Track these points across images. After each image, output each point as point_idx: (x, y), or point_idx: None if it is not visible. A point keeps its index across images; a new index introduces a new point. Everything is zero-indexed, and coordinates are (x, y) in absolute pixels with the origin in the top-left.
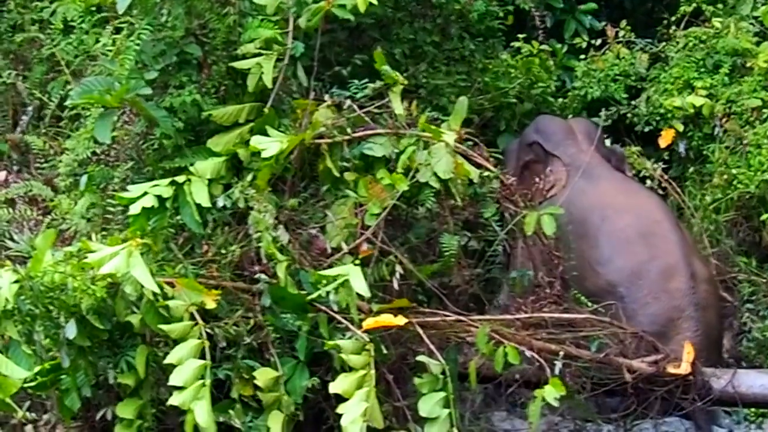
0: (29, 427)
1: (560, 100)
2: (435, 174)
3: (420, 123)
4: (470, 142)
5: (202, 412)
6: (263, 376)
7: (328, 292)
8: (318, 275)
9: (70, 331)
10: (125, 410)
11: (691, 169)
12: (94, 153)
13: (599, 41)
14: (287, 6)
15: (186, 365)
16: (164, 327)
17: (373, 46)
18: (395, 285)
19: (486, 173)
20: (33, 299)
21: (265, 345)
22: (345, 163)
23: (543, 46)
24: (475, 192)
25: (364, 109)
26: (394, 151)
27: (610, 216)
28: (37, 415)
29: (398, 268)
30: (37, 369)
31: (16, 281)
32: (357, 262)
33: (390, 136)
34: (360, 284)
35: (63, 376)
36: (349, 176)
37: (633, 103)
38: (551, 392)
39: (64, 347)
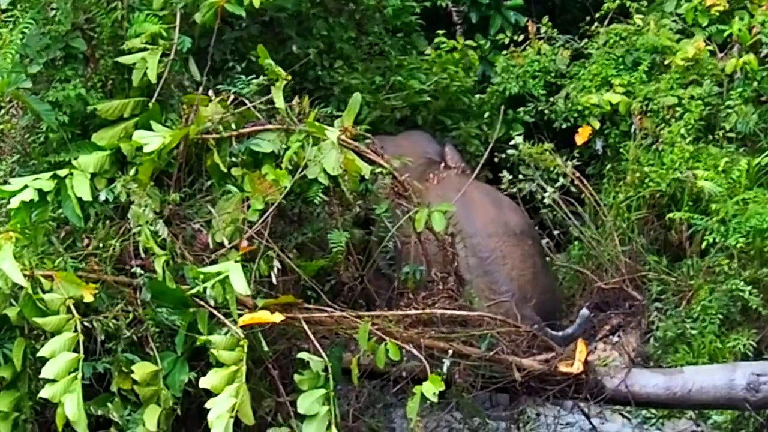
0: None
1: (478, 96)
2: (324, 170)
3: (307, 120)
4: (368, 140)
5: (71, 405)
6: (141, 370)
7: (206, 288)
8: (197, 271)
9: None
10: (1, 402)
11: (608, 167)
12: None
13: (522, 37)
14: (175, 1)
15: (58, 358)
16: (39, 320)
17: (289, 42)
18: (273, 280)
19: (378, 170)
20: None
21: (145, 339)
22: (234, 159)
23: (468, 42)
24: (366, 188)
25: (252, 104)
26: (282, 147)
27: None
28: None
29: (276, 264)
30: None
31: None
32: (238, 258)
33: (279, 132)
34: (239, 281)
35: None
36: (236, 172)
37: (551, 99)
38: (430, 388)
39: None
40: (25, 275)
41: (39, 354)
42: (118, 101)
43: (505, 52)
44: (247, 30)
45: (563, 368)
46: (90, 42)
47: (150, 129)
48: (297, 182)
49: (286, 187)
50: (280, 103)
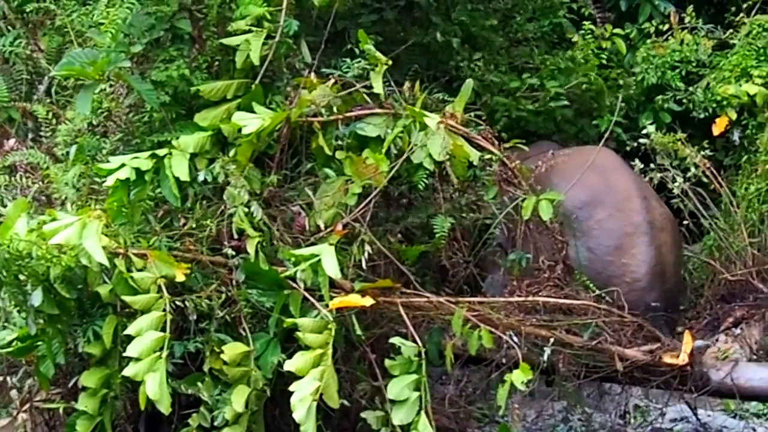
0: (14, 392)
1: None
2: (430, 155)
3: (407, 105)
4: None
5: (153, 383)
6: (231, 350)
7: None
8: (289, 253)
9: (36, 298)
10: (89, 379)
11: (744, 158)
12: (90, 124)
13: (667, 26)
14: None
15: (144, 337)
16: (128, 298)
17: (431, 28)
18: (363, 265)
19: (488, 156)
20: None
21: (238, 320)
22: (340, 142)
23: (616, 30)
24: (474, 174)
25: (357, 88)
26: (388, 132)
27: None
28: (21, 381)
29: (367, 248)
30: (14, 335)
31: None
32: (332, 242)
33: (386, 116)
34: (331, 264)
35: (39, 343)
36: (340, 155)
37: (690, 89)
38: (519, 377)
39: (31, 315)
40: (119, 253)
41: (125, 332)
42: (222, 82)
43: (647, 41)
44: (385, 14)
45: (668, 359)
46: (197, 23)
47: (252, 111)
48: (404, 167)
49: (389, 172)
50: (378, 88)
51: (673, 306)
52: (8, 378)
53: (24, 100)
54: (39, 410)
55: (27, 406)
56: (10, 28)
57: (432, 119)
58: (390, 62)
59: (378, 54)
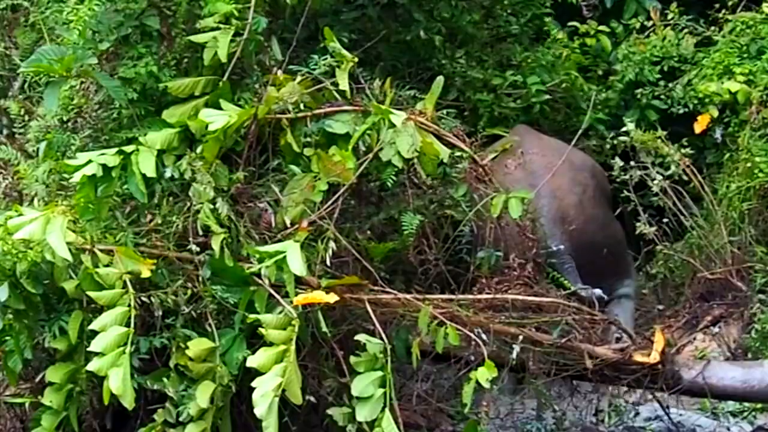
0: None
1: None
2: (399, 153)
3: (372, 102)
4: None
5: (116, 378)
6: (196, 346)
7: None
8: (254, 250)
9: (2, 293)
10: (55, 374)
11: (726, 156)
12: (61, 120)
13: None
14: None
15: (108, 332)
16: (93, 294)
17: (413, 25)
18: (327, 262)
19: (458, 153)
20: None
21: (204, 316)
22: (308, 139)
23: (601, 27)
24: (444, 172)
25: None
26: (356, 129)
27: None
28: None
29: (332, 245)
30: None
31: None
32: (298, 239)
33: (356, 113)
34: (296, 261)
35: (7, 338)
36: (308, 152)
37: (669, 85)
38: (484, 374)
39: None
40: (85, 249)
41: (90, 327)
42: (190, 79)
43: (629, 39)
44: (366, 11)
45: (639, 358)
46: (166, 20)
47: (219, 107)
48: (373, 164)
49: (357, 169)
50: (344, 85)
51: (585, 246)
52: None
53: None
54: (7, 405)
55: None
56: None
57: (398, 116)
58: (356, 59)
59: (344, 51)
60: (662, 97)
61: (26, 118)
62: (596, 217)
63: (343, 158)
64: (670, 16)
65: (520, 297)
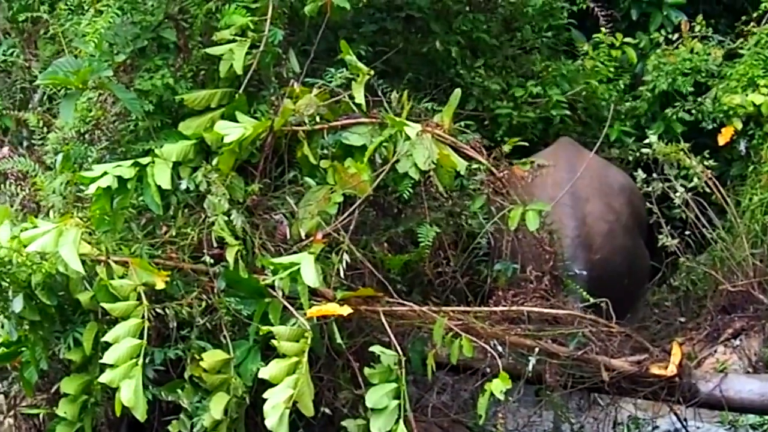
0: (1, 398)
1: (629, 103)
2: (415, 165)
3: (387, 114)
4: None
5: (128, 390)
6: (210, 357)
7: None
8: (268, 261)
9: (17, 305)
10: (69, 385)
11: (750, 168)
12: (78, 132)
13: (676, 35)
14: None
15: (121, 344)
16: (107, 305)
17: (431, 37)
18: (341, 274)
19: (476, 165)
20: None
21: (219, 327)
22: (325, 151)
23: (627, 39)
24: (461, 184)
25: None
26: (372, 141)
27: None
28: (7, 386)
29: (346, 257)
30: None
31: None
32: (314, 251)
33: (373, 125)
34: (310, 273)
35: (23, 349)
36: (325, 164)
37: (699, 99)
38: (498, 386)
39: (12, 321)
40: (99, 261)
41: (103, 339)
42: (206, 91)
43: (658, 50)
44: (386, 24)
45: (655, 370)
46: (183, 32)
47: (235, 120)
48: (390, 176)
49: (371, 181)
50: (360, 98)
51: (607, 276)
52: None
53: (19, 109)
54: (24, 416)
55: (12, 411)
56: (6, 36)
57: (413, 128)
58: (372, 72)
59: (359, 64)
60: (692, 111)
61: (45, 130)
62: (624, 248)
63: (358, 170)
64: (697, 29)
65: (536, 309)
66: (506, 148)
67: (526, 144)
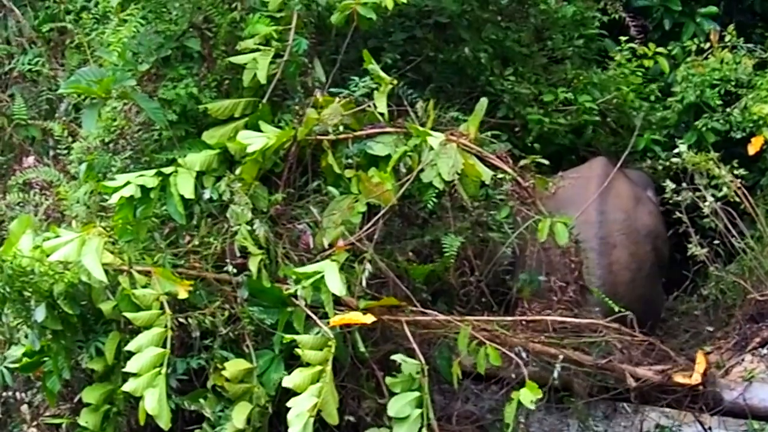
0: (24, 407)
1: (660, 113)
2: (440, 174)
3: (410, 124)
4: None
5: (152, 399)
6: (233, 367)
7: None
8: (291, 271)
9: (39, 314)
10: (91, 395)
11: None
12: (102, 141)
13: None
14: (293, 3)
15: (144, 353)
16: (129, 315)
17: (461, 45)
18: (363, 283)
19: (501, 175)
20: (3, 282)
21: (242, 337)
22: (350, 161)
23: (659, 48)
24: (486, 194)
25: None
26: (397, 150)
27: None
28: (33, 396)
29: (368, 266)
30: (23, 350)
31: None
32: (338, 259)
33: (397, 135)
34: (334, 281)
35: (46, 359)
36: (349, 173)
37: (728, 110)
38: (527, 395)
39: (35, 330)
40: (122, 270)
41: (126, 348)
42: (230, 101)
43: (687, 60)
44: (415, 32)
45: (680, 379)
46: (207, 42)
47: (259, 129)
48: (415, 186)
49: (395, 190)
50: (382, 107)
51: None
52: (19, 394)
53: (45, 118)
54: (47, 425)
55: (36, 421)
56: (32, 45)
57: (436, 138)
58: (395, 81)
59: (382, 73)
60: (722, 121)
61: (70, 139)
62: (644, 296)
63: (381, 179)
64: (727, 38)
65: (559, 318)
66: (528, 161)
67: (558, 152)
